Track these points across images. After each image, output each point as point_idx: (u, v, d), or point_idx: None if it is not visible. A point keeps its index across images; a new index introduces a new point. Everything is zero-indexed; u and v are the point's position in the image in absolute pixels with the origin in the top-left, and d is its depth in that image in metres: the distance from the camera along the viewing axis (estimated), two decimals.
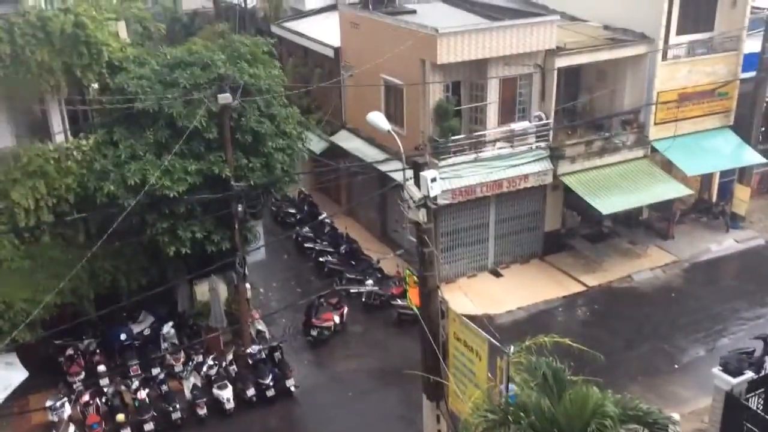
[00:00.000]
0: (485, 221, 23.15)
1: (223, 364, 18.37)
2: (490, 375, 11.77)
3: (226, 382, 17.66)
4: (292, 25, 30.37)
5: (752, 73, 24.33)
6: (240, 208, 17.08)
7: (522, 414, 8.98)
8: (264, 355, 18.51)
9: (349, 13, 25.43)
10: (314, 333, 20.04)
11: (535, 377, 9.96)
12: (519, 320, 21.10)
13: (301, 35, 28.96)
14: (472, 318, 13.70)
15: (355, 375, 19.11)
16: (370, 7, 24.27)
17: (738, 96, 24.57)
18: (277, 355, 18.78)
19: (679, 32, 23.35)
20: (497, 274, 23.58)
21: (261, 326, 20.01)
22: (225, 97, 16.41)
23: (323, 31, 27.95)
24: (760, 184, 27.67)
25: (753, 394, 13.25)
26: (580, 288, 22.66)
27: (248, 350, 18.44)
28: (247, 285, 19.36)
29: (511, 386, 10.58)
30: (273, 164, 17.83)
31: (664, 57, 23.15)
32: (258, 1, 35.46)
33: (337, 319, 20.31)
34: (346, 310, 20.76)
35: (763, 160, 25.30)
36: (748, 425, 12.77)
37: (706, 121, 24.42)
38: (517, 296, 22.17)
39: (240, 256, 17.49)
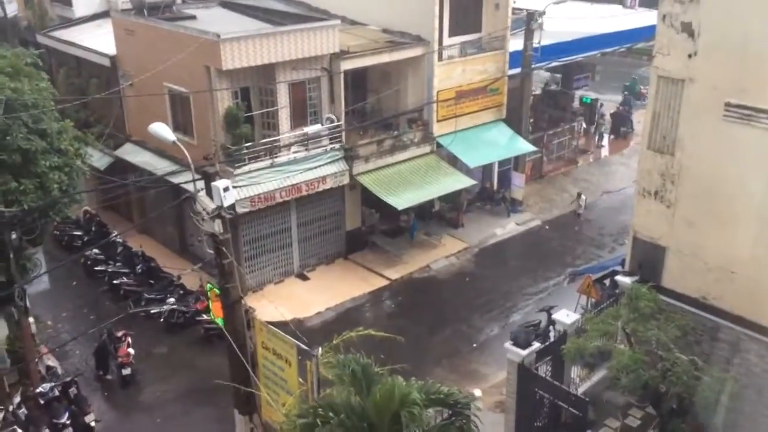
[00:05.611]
0: (288, 226, 23.11)
1: (10, 408, 16.53)
2: (301, 380, 11.74)
3: (15, 427, 15.85)
4: (61, 33, 28.14)
5: (518, 70, 26.65)
6: (14, 236, 15.50)
7: (331, 414, 9.02)
8: (57, 393, 16.94)
9: (122, 20, 24.04)
10: (126, 372, 18.43)
11: (345, 375, 10.06)
12: (328, 321, 21.35)
13: (72, 44, 26.91)
14: (282, 324, 13.57)
15: (163, 399, 18.15)
16: (146, 13, 23.12)
17: (508, 91, 26.81)
18: (72, 390, 17.25)
19: (452, 34, 24.98)
20: (304, 278, 23.65)
21: (51, 362, 18.35)
22: None
23: (97, 39, 26.22)
24: (533, 171, 30.44)
25: (541, 362, 14.51)
26: (384, 282, 23.41)
27: (38, 389, 16.82)
28: (31, 319, 17.67)
29: None
30: (49, 185, 16.40)
31: (440, 58, 24.62)
32: (20, 10, 32.36)
33: (132, 351, 18.84)
34: (130, 339, 18.96)
35: (534, 148, 27.98)
36: (540, 391, 13.98)
37: (482, 115, 26.34)
38: (325, 297, 22.41)
39: (18, 288, 15.87)
